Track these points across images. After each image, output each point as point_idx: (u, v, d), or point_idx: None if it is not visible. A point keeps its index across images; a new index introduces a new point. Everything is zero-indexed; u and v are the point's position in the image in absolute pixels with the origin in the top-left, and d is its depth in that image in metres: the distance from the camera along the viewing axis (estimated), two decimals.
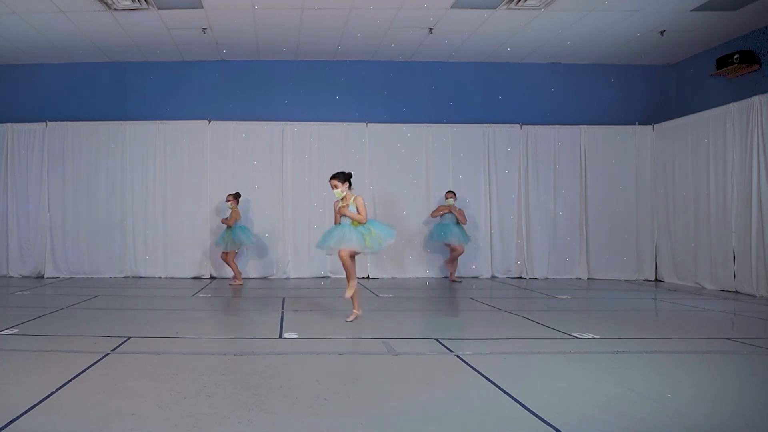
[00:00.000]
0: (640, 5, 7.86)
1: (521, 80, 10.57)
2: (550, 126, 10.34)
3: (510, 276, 10.19)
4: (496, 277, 10.12)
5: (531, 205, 10.23)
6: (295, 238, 10.02)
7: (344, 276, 9.85)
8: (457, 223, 9.46)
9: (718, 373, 3.79)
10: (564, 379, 3.58)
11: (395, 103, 10.48)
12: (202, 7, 7.99)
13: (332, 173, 5.84)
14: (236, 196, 9.09)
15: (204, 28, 8.75)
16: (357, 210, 5.58)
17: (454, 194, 9.57)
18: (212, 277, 9.90)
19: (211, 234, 9.95)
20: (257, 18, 8.43)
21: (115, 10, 7.95)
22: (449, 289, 8.49)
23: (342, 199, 5.69)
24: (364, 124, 10.21)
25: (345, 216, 5.61)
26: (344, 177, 5.70)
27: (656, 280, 9.94)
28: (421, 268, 10.12)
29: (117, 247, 9.94)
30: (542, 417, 2.87)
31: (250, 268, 9.96)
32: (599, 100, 10.54)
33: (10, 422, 2.74)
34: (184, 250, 9.93)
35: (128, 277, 9.90)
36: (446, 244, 9.59)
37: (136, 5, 7.79)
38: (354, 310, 5.71)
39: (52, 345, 4.52)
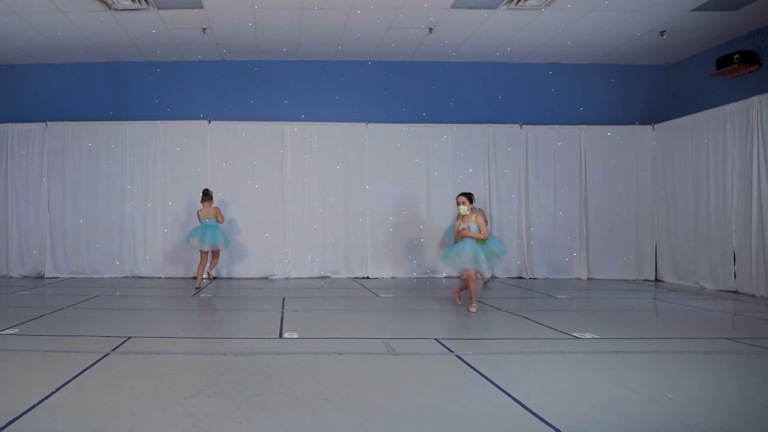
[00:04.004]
0: (640, 5, 7.86)
1: (521, 80, 10.57)
2: (550, 126, 10.34)
3: (510, 276, 10.19)
4: (496, 277, 10.12)
5: (531, 205, 10.23)
6: (295, 238, 10.02)
7: (344, 276, 9.98)
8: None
9: (718, 373, 3.79)
10: (564, 379, 3.58)
11: (395, 103, 10.48)
12: (202, 7, 7.99)
13: (461, 192, 6.70)
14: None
15: (204, 28, 8.75)
16: (478, 228, 6.30)
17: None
18: (212, 277, 9.88)
19: None
20: (257, 18, 8.43)
21: (115, 10, 7.95)
22: (449, 289, 8.49)
23: (463, 217, 6.40)
24: (364, 124, 10.21)
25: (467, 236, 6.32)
26: (470, 198, 6.47)
27: (656, 280, 9.93)
28: (422, 268, 10.12)
29: (117, 247, 9.94)
30: (542, 417, 2.87)
31: (250, 268, 9.96)
32: (599, 100, 10.54)
33: (10, 422, 2.75)
34: (183, 250, 9.91)
35: (128, 277, 9.90)
36: None
37: (136, 5, 7.79)
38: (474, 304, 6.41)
39: (52, 345, 4.52)
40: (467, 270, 6.28)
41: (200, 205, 8.80)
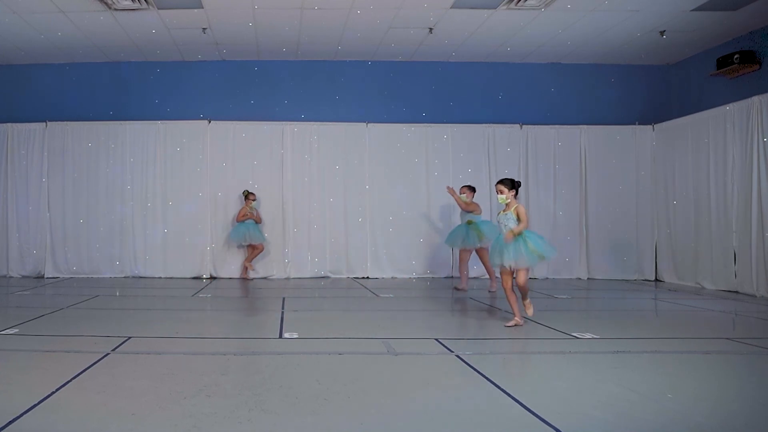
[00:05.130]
0: (640, 5, 7.86)
1: (521, 80, 10.57)
2: (550, 126, 10.34)
3: None
4: (497, 278, 10.08)
5: (531, 205, 10.20)
6: (295, 238, 10.02)
7: (344, 276, 9.98)
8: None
9: (718, 373, 3.79)
10: (564, 379, 3.58)
11: (395, 103, 10.48)
12: (202, 7, 7.99)
13: (499, 179, 5.67)
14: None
15: (204, 28, 8.75)
16: (518, 218, 5.35)
17: None
18: (212, 277, 9.90)
19: (212, 234, 9.96)
20: (257, 18, 8.43)
21: (115, 10, 7.95)
22: (450, 289, 8.48)
23: (506, 206, 5.47)
24: (364, 124, 10.21)
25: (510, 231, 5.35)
26: (511, 184, 5.48)
27: (656, 280, 9.93)
28: (422, 268, 10.11)
29: (117, 247, 9.94)
30: (542, 417, 2.87)
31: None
32: (599, 100, 10.54)
33: (10, 422, 2.74)
34: (184, 250, 9.93)
35: (128, 277, 9.90)
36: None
37: (136, 5, 7.79)
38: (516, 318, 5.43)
39: (52, 345, 4.52)
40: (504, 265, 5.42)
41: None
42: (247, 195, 9.70)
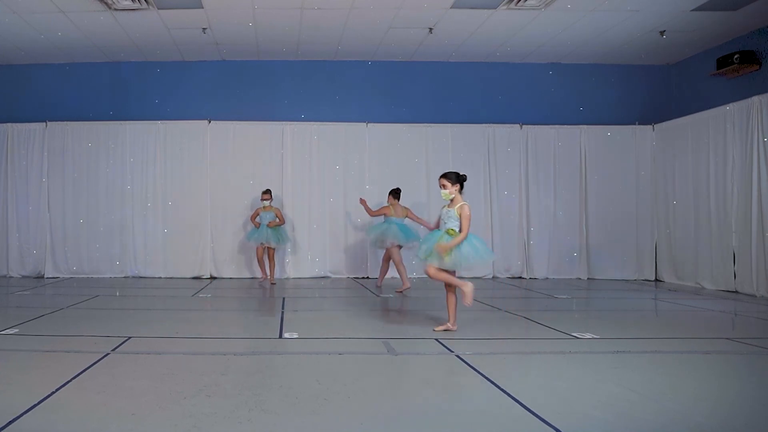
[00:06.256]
0: (640, 5, 7.86)
1: (521, 80, 10.57)
2: (550, 126, 10.34)
3: (510, 276, 10.18)
4: (497, 277, 10.12)
5: (531, 205, 10.23)
6: (295, 238, 10.02)
7: (344, 276, 9.98)
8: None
9: (718, 373, 3.79)
10: (564, 379, 3.58)
11: (395, 103, 10.48)
12: (202, 7, 7.99)
13: (442, 172, 5.26)
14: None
15: (204, 28, 8.75)
16: (458, 220, 4.95)
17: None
18: (212, 277, 9.90)
19: (212, 234, 9.95)
20: (257, 18, 8.43)
21: (115, 10, 7.95)
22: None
23: (450, 202, 5.08)
24: (364, 124, 10.21)
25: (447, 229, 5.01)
26: (456, 178, 5.07)
27: (656, 280, 9.93)
28: (421, 267, 10.08)
29: (117, 247, 9.94)
30: (542, 417, 2.87)
31: (250, 268, 9.96)
32: (599, 100, 10.54)
33: (10, 422, 2.74)
34: (184, 250, 9.93)
35: (128, 277, 9.90)
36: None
37: (136, 5, 7.79)
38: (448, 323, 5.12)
39: (52, 345, 4.52)
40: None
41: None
42: (262, 194, 9.23)
